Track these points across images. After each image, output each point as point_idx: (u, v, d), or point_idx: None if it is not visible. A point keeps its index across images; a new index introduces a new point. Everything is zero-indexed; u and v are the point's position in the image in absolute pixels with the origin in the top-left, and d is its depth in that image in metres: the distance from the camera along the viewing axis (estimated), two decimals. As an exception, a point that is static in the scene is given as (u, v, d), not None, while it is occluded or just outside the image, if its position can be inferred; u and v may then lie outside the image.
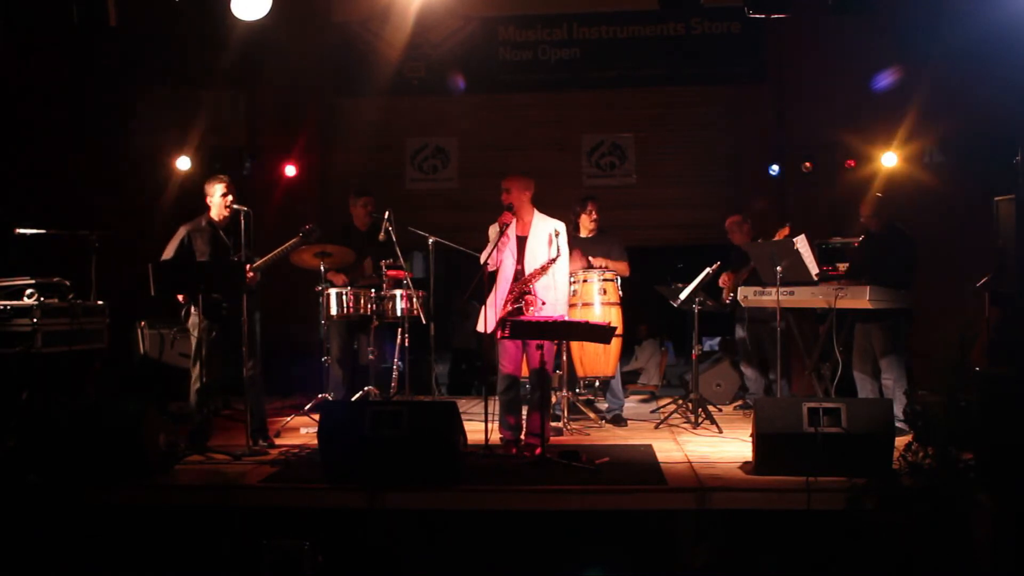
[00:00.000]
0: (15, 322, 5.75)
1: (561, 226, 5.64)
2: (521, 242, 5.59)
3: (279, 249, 5.76)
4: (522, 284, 5.51)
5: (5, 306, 5.77)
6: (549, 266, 5.50)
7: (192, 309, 5.51)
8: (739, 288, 6.81)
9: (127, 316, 7.12)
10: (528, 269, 5.54)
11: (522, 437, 5.61)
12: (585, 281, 6.57)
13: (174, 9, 5.98)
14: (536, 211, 5.67)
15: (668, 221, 9.09)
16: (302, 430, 6.35)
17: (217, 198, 5.68)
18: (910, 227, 6.28)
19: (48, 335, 5.81)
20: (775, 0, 5.76)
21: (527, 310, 5.47)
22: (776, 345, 6.12)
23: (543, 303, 5.49)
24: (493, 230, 5.64)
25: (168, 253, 5.64)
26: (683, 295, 6.71)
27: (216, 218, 5.72)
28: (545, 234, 5.59)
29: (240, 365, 5.54)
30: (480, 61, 9.12)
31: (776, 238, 6.47)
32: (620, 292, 6.67)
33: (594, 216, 6.79)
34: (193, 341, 5.56)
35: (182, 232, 5.66)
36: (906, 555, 4.07)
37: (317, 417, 5.56)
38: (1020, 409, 4.32)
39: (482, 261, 5.54)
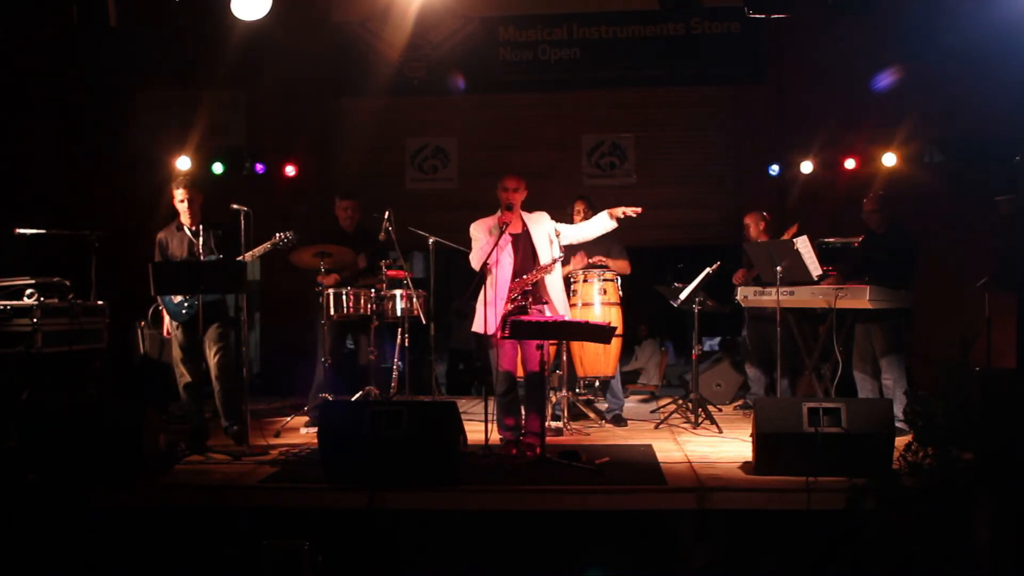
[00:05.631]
0: (15, 322, 5.76)
1: (553, 225, 5.64)
2: (515, 240, 5.58)
3: (253, 251, 5.77)
4: (523, 283, 5.50)
5: (5, 306, 5.78)
6: (552, 266, 5.50)
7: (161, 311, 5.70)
8: (739, 288, 6.81)
9: (127, 316, 7.13)
10: (528, 268, 5.53)
11: (521, 437, 5.61)
12: (585, 281, 6.57)
13: (174, 9, 5.98)
14: (521, 210, 5.68)
15: (668, 221, 9.08)
16: (302, 430, 6.35)
17: (174, 203, 5.74)
18: (910, 227, 6.27)
19: (48, 335, 5.81)
20: (775, 0, 5.76)
21: (545, 309, 5.49)
22: (778, 345, 6.12)
23: (547, 301, 5.51)
24: (476, 229, 5.60)
25: (156, 259, 5.78)
26: (683, 295, 6.70)
27: (185, 222, 5.76)
28: (545, 233, 5.59)
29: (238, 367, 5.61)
30: (480, 61, 9.12)
31: (785, 237, 6.46)
32: (620, 292, 6.67)
33: (582, 216, 6.76)
34: (173, 343, 5.72)
35: (159, 238, 5.80)
36: (906, 555, 4.07)
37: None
38: (1020, 409, 4.32)
39: (477, 264, 5.49)
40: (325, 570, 4.32)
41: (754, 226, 7.37)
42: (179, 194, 5.71)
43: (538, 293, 5.55)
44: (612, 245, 6.79)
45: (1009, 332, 5.50)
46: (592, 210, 6.62)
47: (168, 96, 9.13)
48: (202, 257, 5.59)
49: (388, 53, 9.03)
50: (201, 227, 5.66)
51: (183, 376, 5.68)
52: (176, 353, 5.71)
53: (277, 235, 5.88)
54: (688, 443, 5.86)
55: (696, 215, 9.08)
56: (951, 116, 8.03)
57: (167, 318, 5.72)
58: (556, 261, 5.52)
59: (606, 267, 6.65)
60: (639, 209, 5.53)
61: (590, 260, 6.63)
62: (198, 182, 5.85)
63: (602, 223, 5.63)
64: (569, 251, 6.55)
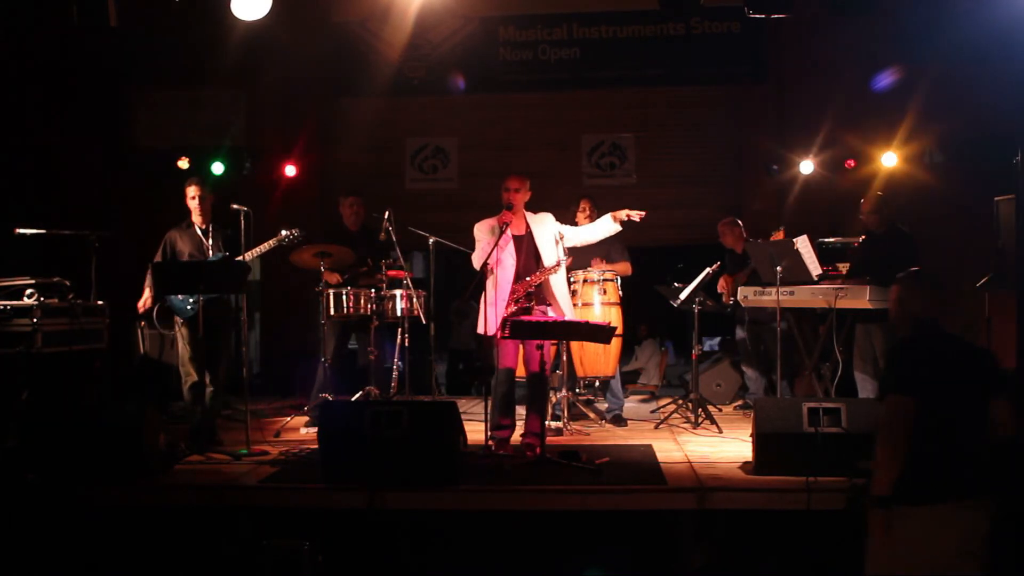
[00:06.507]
0: (15, 322, 5.75)
1: (557, 228, 5.64)
2: (518, 241, 5.57)
3: (259, 247, 5.79)
4: (526, 285, 5.49)
5: (5, 306, 5.77)
6: (556, 268, 5.49)
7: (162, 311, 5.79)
8: (739, 288, 6.81)
9: (127, 316, 7.12)
10: (531, 269, 5.52)
11: (519, 436, 5.60)
12: (585, 281, 6.57)
13: (174, 9, 5.98)
14: (525, 211, 5.67)
15: (668, 221, 9.08)
16: (302, 430, 6.35)
17: (187, 200, 5.79)
18: (910, 227, 6.27)
19: (48, 335, 5.81)
20: (775, 0, 5.76)
21: (548, 310, 5.48)
22: (778, 345, 6.12)
23: (550, 303, 5.50)
24: (479, 230, 5.60)
25: (157, 257, 5.81)
26: (683, 295, 6.71)
27: (195, 220, 5.80)
28: (549, 235, 5.57)
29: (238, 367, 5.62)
30: (480, 61, 9.12)
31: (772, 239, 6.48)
32: (620, 292, 6.68)
33: (587, 214, 6.77)
34: (179, 341, 5.75)
35: (168, 235, 5.85)
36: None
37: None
38: (1020, 409, 4.31)
39: (478, 264, 5.49)
40: (325, 570, 4.32)
41: (729, 233, 7.39)
42: (191, 191, 5.75)
43: (542, 295, 5.54)
44: (613, 246, 6.78)
45: (1009, 332, 5.51)
46: (597, 209, 6.63)
47: (168, 96, 9.14)
48: (211, 255, 5.60)
49: (388, 53, 9.03)
50: (211, 226, 5.68)
51: (190, 376, 5.68)
52: (183, 352, 5.71)
53: (283, 232, 5.89)
54: (688, 443, 5.86)
55: (696, 215, 9.07)
56: (951, 116, 8.03)
57: (146, 292, 5.79)
58: (560, 264, 5.51)
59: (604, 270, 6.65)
60: (642, 213, 5.54)
61: (591, 265, 6.63)
62: (210, 182, 5.89)
63: (606, 226, 5.64)
64: (572, 253, 6.55)
